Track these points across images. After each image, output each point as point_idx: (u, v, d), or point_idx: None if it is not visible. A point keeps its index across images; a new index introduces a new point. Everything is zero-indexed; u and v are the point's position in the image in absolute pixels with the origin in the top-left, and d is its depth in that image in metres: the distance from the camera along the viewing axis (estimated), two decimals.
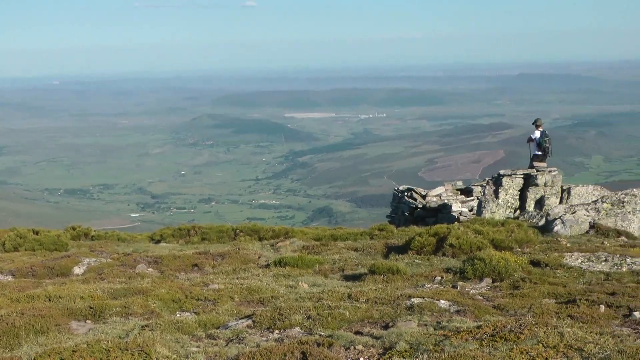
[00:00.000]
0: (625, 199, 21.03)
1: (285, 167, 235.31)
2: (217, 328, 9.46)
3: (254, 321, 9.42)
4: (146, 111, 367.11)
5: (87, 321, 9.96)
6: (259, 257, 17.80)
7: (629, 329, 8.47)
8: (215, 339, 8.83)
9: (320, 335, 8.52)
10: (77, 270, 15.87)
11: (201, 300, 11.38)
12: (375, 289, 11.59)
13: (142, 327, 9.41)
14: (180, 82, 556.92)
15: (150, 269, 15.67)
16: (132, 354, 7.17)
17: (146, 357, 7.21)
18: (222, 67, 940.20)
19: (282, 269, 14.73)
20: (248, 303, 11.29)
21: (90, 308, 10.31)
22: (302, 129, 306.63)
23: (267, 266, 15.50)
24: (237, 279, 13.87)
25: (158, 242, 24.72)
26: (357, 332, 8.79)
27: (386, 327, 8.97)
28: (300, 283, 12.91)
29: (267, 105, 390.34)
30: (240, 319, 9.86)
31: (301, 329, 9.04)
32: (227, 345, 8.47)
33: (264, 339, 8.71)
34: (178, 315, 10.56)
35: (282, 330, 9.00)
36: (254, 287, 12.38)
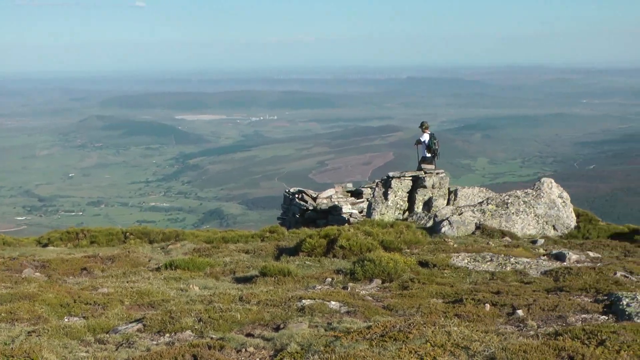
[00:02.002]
0: (509, 201, 21.75)
1: (176, 169, 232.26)
2: (107, 332, 9.21)
3: (144, 325, 9.22)
4: (32, 112, 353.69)
5: None
6: (149, 260, 17.44)
7: (513, 327, 8.72)
8: (104, 344, 8.59)
9: (212, 337, 8.43)
10: None
11: (90, 304, 11.02)
12: (267, 291, 11.52)
13: (28, 332, 9.05)
14: (67, 83, 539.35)
15: (37, 274, 15.05)
16: None
17: None
18: (110, 68, 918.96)
19: (172, 272, 14.47)
20: (138, 307, 11.04)
21: None
22: (193, 130, 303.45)
23: (158, 269, 15.21)
24: (127, 282, 13.52)
25: (46, 245, 23.84)
26: (248, 334, 8.74)
27: (277, 328, 8.93)
28: (191, 286, 12.70)
29: (158, 106, 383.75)
30: (131, 322, 9.63)
31: (192, 332, 8.92)
32: (117, 349, 8.29)
33: (155, 342, 8.56)
34: (66, 320, 10.22)
35: (173, 334, 8.86)
36: (145, 290, 12.10)
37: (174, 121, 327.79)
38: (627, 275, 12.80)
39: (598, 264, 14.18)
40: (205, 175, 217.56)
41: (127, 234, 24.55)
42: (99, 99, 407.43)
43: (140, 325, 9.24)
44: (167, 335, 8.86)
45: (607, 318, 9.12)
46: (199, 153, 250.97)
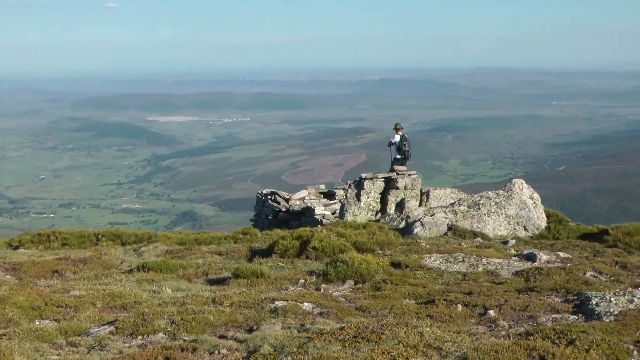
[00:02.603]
0: (481, 202, 21.90)
1: (148, 171, 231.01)
2: (79, 335, 9.15)
3: (116, 327, 9.18)
4: (3, 113, 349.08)
5: None
6: (121, 262, 17.32)
7: (485, 327, 8.79)
8: (76, 347, 8.54)
9: (184, 340, 8.41)
10: None
11: (62, 307, 10.92)
12: (240, 293, 11.50)
13: None
14: (38, 84, 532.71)
15: (7, 276, 14.87)
16: None
17: None
18: (82, 69, 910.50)
19: (145, 274, 14.37)
20: (110, 309, 10.98)
21: None
22: (165, 132, 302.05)
23: (130, 271, 15.10)
24: (99, 284, 13.41)
25: (16, 248, 23.59)
26: (221, 336, 8.72)
27: (250, 330, 8.93)
28: (163, 288, 12.64)
29: (130, 108, 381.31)
30: (103, 325, 9.57)
31: (165, 334, 8.89)
32: (88, 352, 8.26)
33: (127, 345, 8.53)
34: (38, 323, 10.13)
35: (145, 336, 8.83)
36: (117, 292, 12.02)
37: (146, 122, 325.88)
38: (596, 275, 12.95)
39: (568, 264, 14.32)
40: (178, 176, 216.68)
41: (99, 236, 24.37)
42: (70, 100, 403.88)
43: (112, 328, 9.19)
44: (140, 337, 8.82)
45: (577, 318, 9.23)
46: (172, 154, 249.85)
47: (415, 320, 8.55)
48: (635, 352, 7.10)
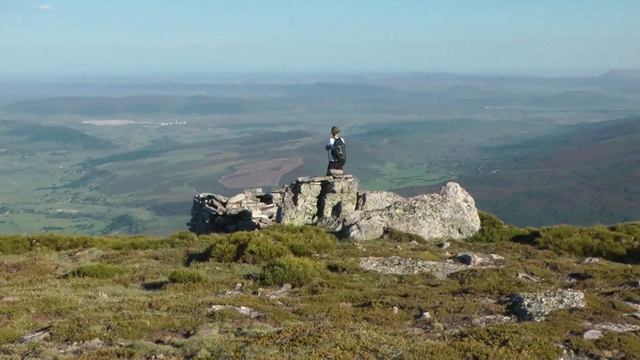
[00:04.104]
0: (416, 205, 22.14)
1: (84, 175, 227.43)
2: (12, 342, 8.92)
3: (51, 333, 8.99)
4: None
5: None
6: (56, 268, 16.99)
7: (420, 329, 8.89)
8: (9, 354, 8.34)
9: (121, 345, 8.29)
10: None
11: None
12: (177, 297, 11.39)
13: None
14: None
15: None
16: None
17: None
18: (14, 72, 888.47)
19: (80, 279, 14.13)
20: (45, 315, 10.73)
21: None
22: (101, 136, 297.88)
23: (65, 277, 14.83)
24: (34, 290, 13.11)
25: None
26: (158, 341, 8.62)
27: (187, 335, 8.85)
28: (99, 293, 12.43)
29: (64, 111, 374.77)
30: (37, 331, 9.35)
31: (101, 339, 8.74)
32: (22, 359, 8.02)
33: (62, 351, 8.36)
34: None
35: (80, 342, 8.67)
36: (52, 298, 11.76)
37: (81, 126, 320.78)
38: (528, 276, 13.23)
39: (501, 266, 14.59)
40: (114, 181, 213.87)
41: (33, 241, 23.82)
42: (3, 104, 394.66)
43: (47, 334, 9.01)
44: (75, 343, 8.66)
45: (509, 318, 9.40)
46: (108, 158, 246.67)
47: (352, 323, 8.60)
48: (564, 351, 7.30)
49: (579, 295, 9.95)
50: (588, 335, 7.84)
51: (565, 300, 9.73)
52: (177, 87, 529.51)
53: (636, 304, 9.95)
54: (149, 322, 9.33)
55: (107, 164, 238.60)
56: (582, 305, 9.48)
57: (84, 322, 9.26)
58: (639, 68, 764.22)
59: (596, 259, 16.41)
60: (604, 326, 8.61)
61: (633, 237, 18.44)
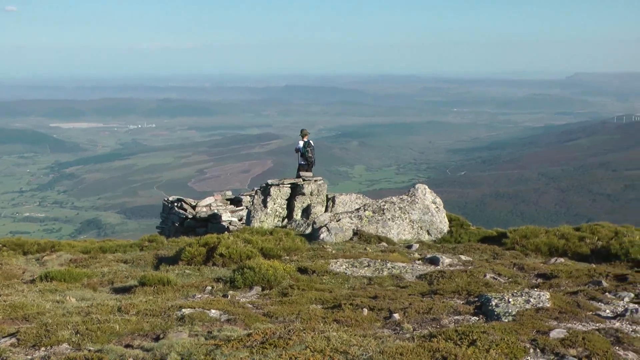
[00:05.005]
0: (385, 207, 22.25)
1: (52, 178, 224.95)
2: None
3: (18, 339, 8.90)
4: None
5: None
6: (23, 272, 16.82)
7: (390, 330, 8.95)
8: None
9: (89, 350, 8.23)
10: None
11: None
12: (146, 301, 11.34)
13: None
14: None
15: None
16: None
17: None
18: None
19: (48, 284, 14.00)
20: (12, 321, 10.62)
21: None
22: (69, 139, 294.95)
23: (33, 281, 14.70)
24: (0, 295, 12.97)
25: None
26: (127, 345, 8.58)
27: (157, 339, 8.82)
28: (67, 297, 12.33)
29: (31, 114, 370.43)
30: (3, 337, 9.26)
31: (69, 344, 8.67)
32: None
33: (29, 357, 8.28)
34: None
35: (48, 347, 8.59)
36: (18, 303, 11.65)
37: (48, 129, 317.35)
38: (495, 277, 13.40)
39: (469, 267, 14.74)
40: (82, 184, 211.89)
41: (0, 245, 23.53)
42: None
43: (13, 340, 8.93)
44: (43, 349, 8.59)
45: (477, 319, 9.50)
46: (76, 162, 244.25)
47: (322, 325, 8.64)
48: (531, 350, 7.42)
49: (545, 295, 10.10)
50: (554, 334, 7.97)
51: (531, 300, 9.87)
52: (146, 90, 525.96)
53: (600, 303, 10.15)
54: (118, 327, 9.28)
55: (75, 167, 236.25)
56: (548, 305, 9.63)
57: (52, 327, 9.19)
58: (602, 71, 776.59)
59: (562, 259, 16.65)
60: (569, 325, 8.76)
61: (597, 238, 18.72)
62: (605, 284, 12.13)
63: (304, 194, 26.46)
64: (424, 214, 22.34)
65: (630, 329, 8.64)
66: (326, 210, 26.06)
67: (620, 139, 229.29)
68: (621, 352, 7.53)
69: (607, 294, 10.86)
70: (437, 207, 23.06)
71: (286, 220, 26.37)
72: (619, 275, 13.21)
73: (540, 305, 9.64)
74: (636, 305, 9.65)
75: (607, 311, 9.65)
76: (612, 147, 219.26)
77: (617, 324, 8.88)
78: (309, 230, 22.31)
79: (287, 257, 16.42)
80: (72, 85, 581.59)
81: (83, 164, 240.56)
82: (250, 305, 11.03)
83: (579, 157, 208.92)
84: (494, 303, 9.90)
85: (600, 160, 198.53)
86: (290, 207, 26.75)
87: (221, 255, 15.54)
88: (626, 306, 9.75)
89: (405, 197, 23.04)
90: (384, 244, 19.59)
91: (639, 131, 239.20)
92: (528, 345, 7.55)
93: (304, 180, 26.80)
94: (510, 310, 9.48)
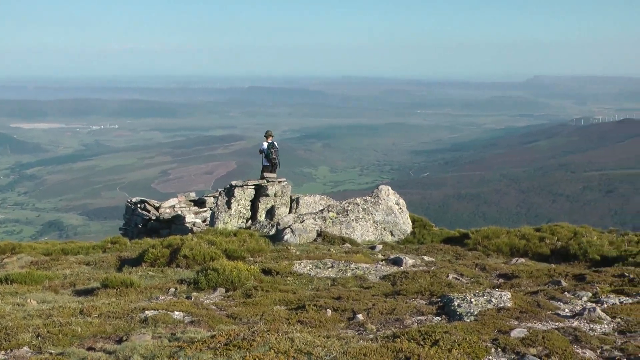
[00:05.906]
0: (349, 208, 22.32)
1: (12, 179, 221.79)
2: None
3: None
4: None
5: None
6: None
7: (353, 331, 9.01)
8: None
9: (51, 353, 8.15)
10: None
11: None
12: (109, 303, 11.25)
13: None
14: None
15: None
16: None
17: None
18: None
19: (8, 287, 13.80)
20: None
21: None
22: (30, 139, 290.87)
23: None
24: None
25: None
26: (89, 348, 8.51)
27: (120, 341, 8.77)
28: (28, 300, 12.17)
29: None
30: None
31: (30, 348, 8.58)
32: None
33: None
34: None
35: (8, 351, 8.49)
36: None
37: (9, 130, 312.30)
38: (458, 277, 13.54)
39: (432, 268, 14.87)
40: (43, 185, 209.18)
41: None
42: None
43: None
44: (3, 352, 8.48)
45: (440, 319, 9.61)
46: (37, 163, 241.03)
47: (286, 326, 8.67)
48: (492, 350, 7.53)
49: (507, 295, 10.25)
50: (515, 333, 8.10)
51: (493, 300, 10.01)
52: (110, 91, 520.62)
53: (559, 303, 10.33)
54: (80, 329, 9.20)
55: (36, 168, 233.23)
56: (509, 305, 9.77)
57: (12, 330, 9.07)
58: (560, 74, 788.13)
59: (522, 260, 16.89)
60: (530, 324, 8.91)
61: (556, 238, 19.02)
62: (564, 283, 12.35)
63: (268, 195, 26.46)
64: (387, 215, 22.45)
65: (588, 328, 8.83)
66: (290, 212, 26.08)
67: (579, 141, 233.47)
68: (579, 350, 7.69)
69: (566, 293, 11.06)
70: (400, 208, 23.20)
71: (250, 221, 26.34)
72: (577, 275, 13.45)
73: (502, 305, 9.78)
74: (593, 305, 9.84)
75: (566, 310, 9.83)
76: (571, 149, 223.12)
77: (576, 323, 9.06)
78: (273, 232, 22.30)
79: (251, 259, 16.40)
80: (32, 86, 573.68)
81: (44, 165, 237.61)
82: (214, 307, 11.01)
83: (539, 158, 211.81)
84: (456, 303, 10.02)
85: (559, 161, 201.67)
86: (254, 208, 26.72)
87: (185, 256, 15.47)
88: (584, 305, 9.95)
89: (369, 198, 23.12)
90: (348, 245, 19.66)
91: (596, 133, 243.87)
92: (490, 345, 7.66)
93: (267, 181, 26.80)
94: (472, 311, 9.60)
